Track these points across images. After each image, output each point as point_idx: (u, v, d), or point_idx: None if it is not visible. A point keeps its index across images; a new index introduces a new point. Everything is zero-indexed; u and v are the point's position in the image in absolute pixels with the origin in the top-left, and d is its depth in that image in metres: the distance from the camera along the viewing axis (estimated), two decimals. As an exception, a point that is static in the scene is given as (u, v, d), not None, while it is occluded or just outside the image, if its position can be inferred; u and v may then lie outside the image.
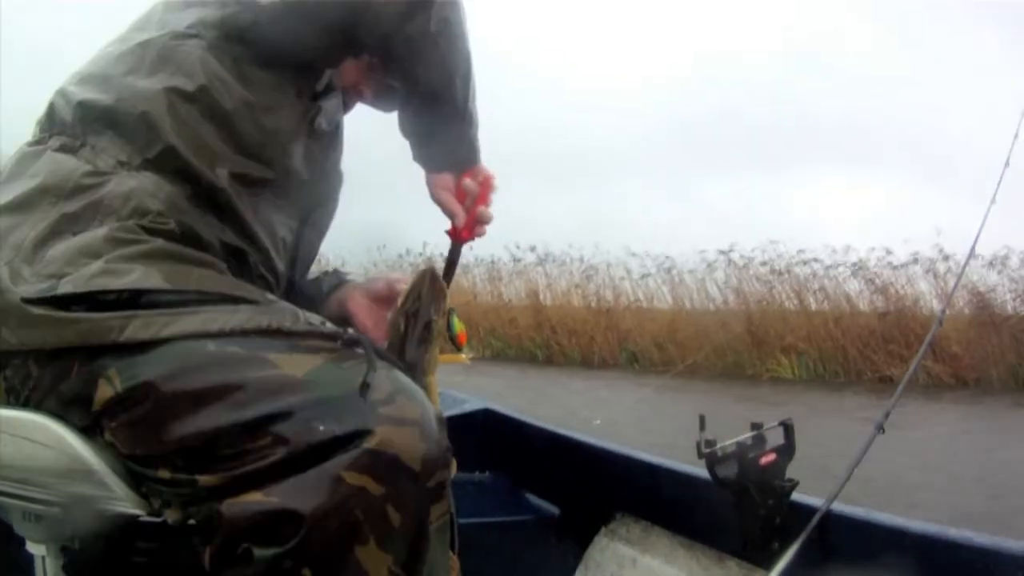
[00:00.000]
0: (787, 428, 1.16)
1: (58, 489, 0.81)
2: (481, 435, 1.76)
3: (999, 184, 1.42)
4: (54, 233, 0.80)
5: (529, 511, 1.61)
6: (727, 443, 1.10)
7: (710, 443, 1.09)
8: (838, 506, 1.06)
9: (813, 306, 7.65)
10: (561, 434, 1.58)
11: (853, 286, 7.65)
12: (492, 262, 9.44)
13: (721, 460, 1.09)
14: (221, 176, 0.87)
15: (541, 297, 9.03)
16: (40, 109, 0.94)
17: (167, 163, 0.85)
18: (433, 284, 0.94)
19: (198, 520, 0.74)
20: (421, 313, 0.92)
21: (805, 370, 7.18)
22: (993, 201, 1.41)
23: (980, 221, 1.39)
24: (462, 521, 0.97)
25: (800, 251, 7.81)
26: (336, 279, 1.17)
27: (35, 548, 0.90)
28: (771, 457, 1.11)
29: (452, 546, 0.94)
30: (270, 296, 0.87)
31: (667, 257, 8.44)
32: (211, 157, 0.87)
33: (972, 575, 0.90)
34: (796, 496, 1.11)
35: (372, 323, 1.08)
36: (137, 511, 0.80)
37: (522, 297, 9.11)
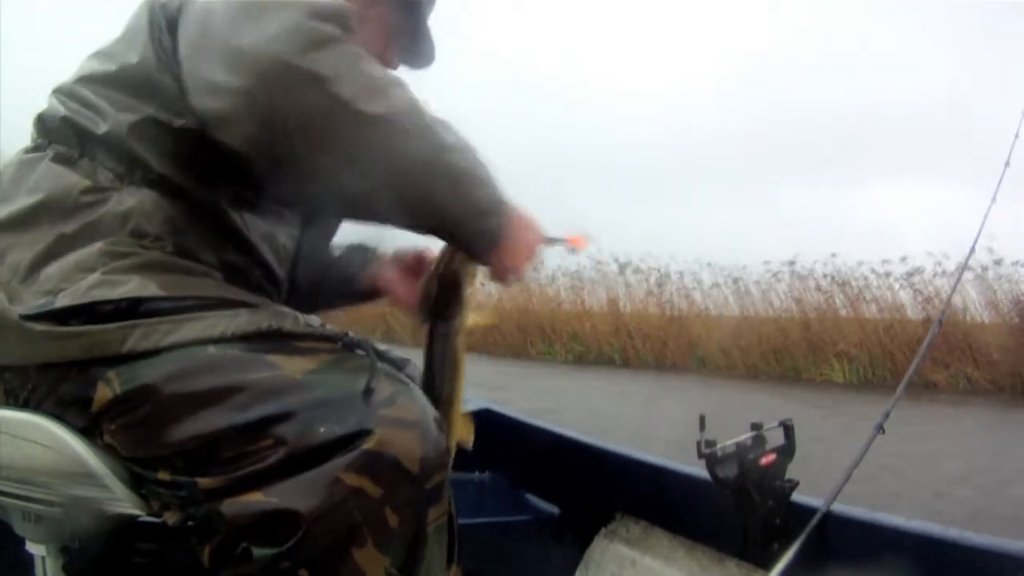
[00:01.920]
0: (787, 428, 1.16)
1: (58, 490, 0.81)
2: (481, 435, 1.75)
3: (999, 184, 1.42)
4: (50, 255, 0.80)
5: (529, 511, 1.61)
6: (727, 443, 1.10)
7: (710, 443, 1.09)
8: (838, 506, 1.06)
9: (867, 314, 8.04)
10: (561, 434, 1.58)
11: (905, 295, 8.02)
12: (575, 271, 10.04)
13: (721, 460, 1.09)
14: (224, 196, 0.86)
15: (621, 305, 9.60)
16: (40, 107, 0.93)
17: (167, 181, 0.84)
18: (449, 256, 0.95)
19: (197, 520, 0.74)
20: (451, 278, 0.94)
21: (856, 375, 7.50)
22: (993, 200, 1.42)
23: (992, 223, 1.40)
24: (462, 521, 0.97)
25: (860, 263, 8.24)
26: (365, 254, 1.17)
27: (35, 548, 0.90)
28: (771, 457, 1.11)
29: (452, 547, 0.94)
30: (268, 301, 0.86)
31: (733, 268, 9.06)
32: (213, 178, 0.86)
33: (972, 575, 0.90)
34: (796, 496, 1.11)
35: (404, 292, 1.11)
36: (137, 512, 0.80)
37: (603, 305, 9.65)
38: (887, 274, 8.07)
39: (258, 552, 0.71)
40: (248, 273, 0.90)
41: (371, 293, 1.14)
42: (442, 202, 0.80)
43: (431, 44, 1.11)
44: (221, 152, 0.82)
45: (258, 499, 0.71)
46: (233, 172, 0.86)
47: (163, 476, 0.75)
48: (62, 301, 0.75)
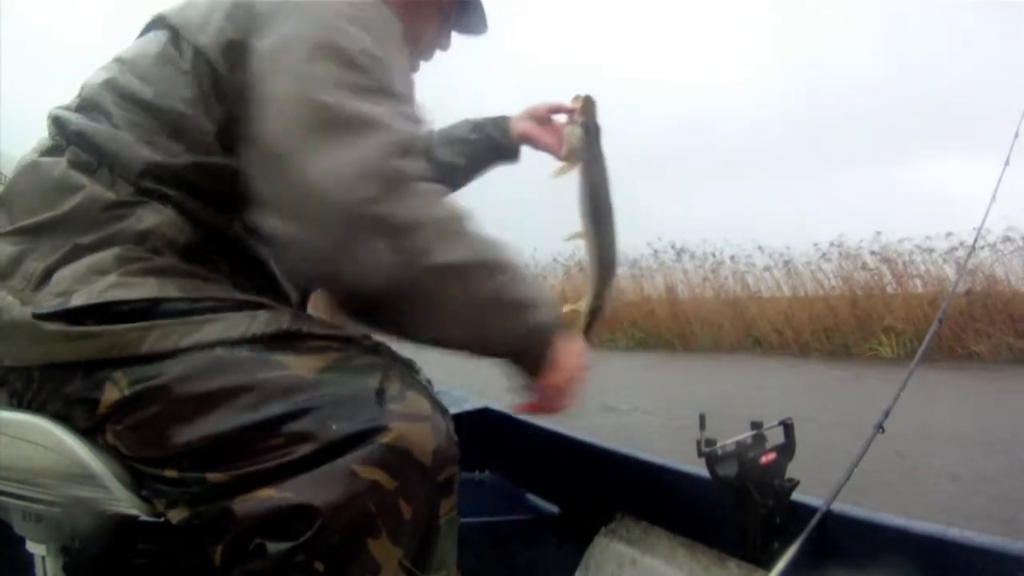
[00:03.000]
0: (787, 427, 1.16)
1: (58, 490, 0.81)
2: (481, 435, 1.76)
3: (999, 183, 1.42)
4: (64, 261, 0.79)
5: (529, 511, 1.61)
6: (727, 442, 1.10)
7: (710, 442, 1.09)
8: (838, 506, 1.06)
9: (912, 290, 8.32)
10: (561, 434, 1.58)
11: (950, 270, 8.17)
12: (635, 261, 10.43)
13: (721, 459, 1.09)
14: (243, 224, 0.85)
15: (679, 291, 10.03)
16: (40, 107, 0.92)
17: (186, 203, 0.83)
18: (589, 102, 1.17)
19: (208, 517, 0.73)
20: (590, 122, 1.16)
21: (902, 348, 7.72)
22: (993, 199, 1.42)
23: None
24: (462, 521, 0.97)
25: (902, 239, 8.52)
26: (494, 124, 1.30)
27: (35, 548, 0.90)
28: (771, 456, 1.11)
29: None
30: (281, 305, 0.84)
31: (783, 250, 9.46)
32: (233, 208, 0.84)
33: (972, 575, 0.90)
34: (796, 496, 1.11)
35: (548, 140, 1.25)
36: (137, 512, 0.80)
37: (661, 292, 10.07)
38: (930, 250, 8.32)
39: (273, 547, 0.71)
40: (256, 290, 0.88)
41: (515, 149, 1.30)
42: (495, 338, 0.84)
43: (483, 12, 1.12)
44: (245, 185, 0.81)
45: (271, 495, 0.71)
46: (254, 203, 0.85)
47: (170, 473, 0.74)
48: (77, 300, 0.74)
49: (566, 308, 1.12)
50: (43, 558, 0.90)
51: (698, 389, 5.97)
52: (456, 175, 1.30)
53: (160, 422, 0.73)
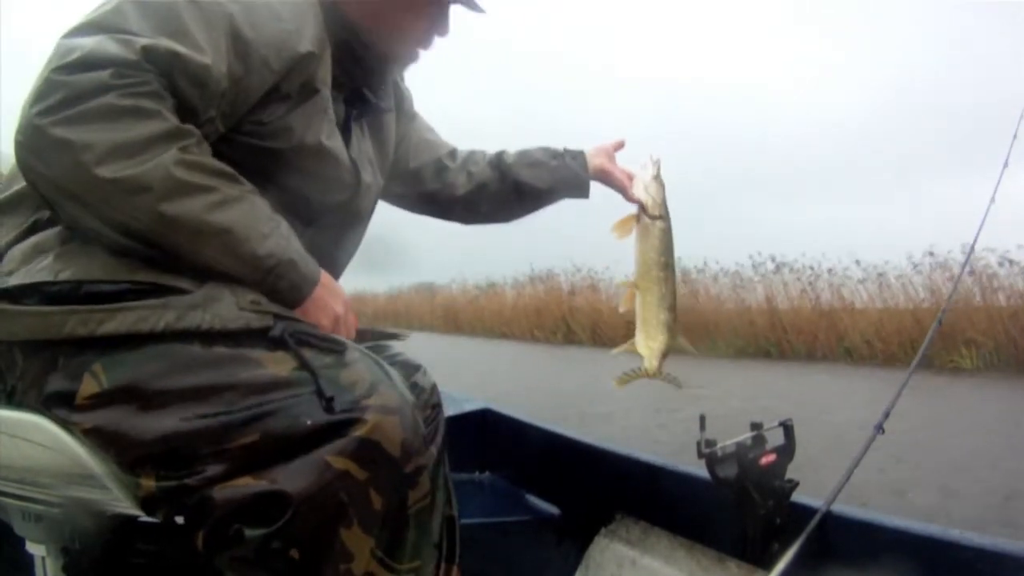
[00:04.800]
0: (787, 428, 1.16)
1: (58, 490, 0.81)
2: (481, 435, 1.76)
3: (998, 184, 1.42)
4: (22, 237, 0.82)
5: (529, 511, 1.61)
6: (727, 443, 1.10)
7: (710, 443, 1.09)
8: (838, 506, 1.06)
9: (994, 303, 8.42)
10: (561, 434, 1.58)
11: None
12: (735, 271, 10.83)
13: (721, 460, 1.09)
14: None
15: (778, 302, 10.35)
16: None
17: None
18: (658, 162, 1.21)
19: (189, 509, 0.74)
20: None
21: (982, 361, 7.88)
22: (992, 200, 1.42)
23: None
24: (462, 521, 0.98)
25: (990, 250, 8.48)
26: (572, 156, 1.30)
27: (35, 548, 0.90)
28: (771, 457, 1.11)
29: (452, 547, 0.94)
30: (214, 285, 0.80)
31: (878, 263, 9.66)
32: None
33: (972, 575, 0.90)
34: (796, 497, 1.11)
35: (624, 178, 1.26)
36: (136, 512, 0.80)
37: (760, 302, 10.43)
38: (1012, 262, 8.34)
39: (250, 532, 0.72)
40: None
41: (588, 184, 1.30)
42: (214, 261, 0.79)
43: None
44: (221, 157, 0.82)
45: (248, 482, 0.73)
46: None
47: (147, 484, 0.75)
48: (13, 281, 0.77)
49: (619, 350, 1.16)
50: (43, 558, 0.90)
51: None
52: (536, 198, 1.31)
53: (137, 417, 0.74)
